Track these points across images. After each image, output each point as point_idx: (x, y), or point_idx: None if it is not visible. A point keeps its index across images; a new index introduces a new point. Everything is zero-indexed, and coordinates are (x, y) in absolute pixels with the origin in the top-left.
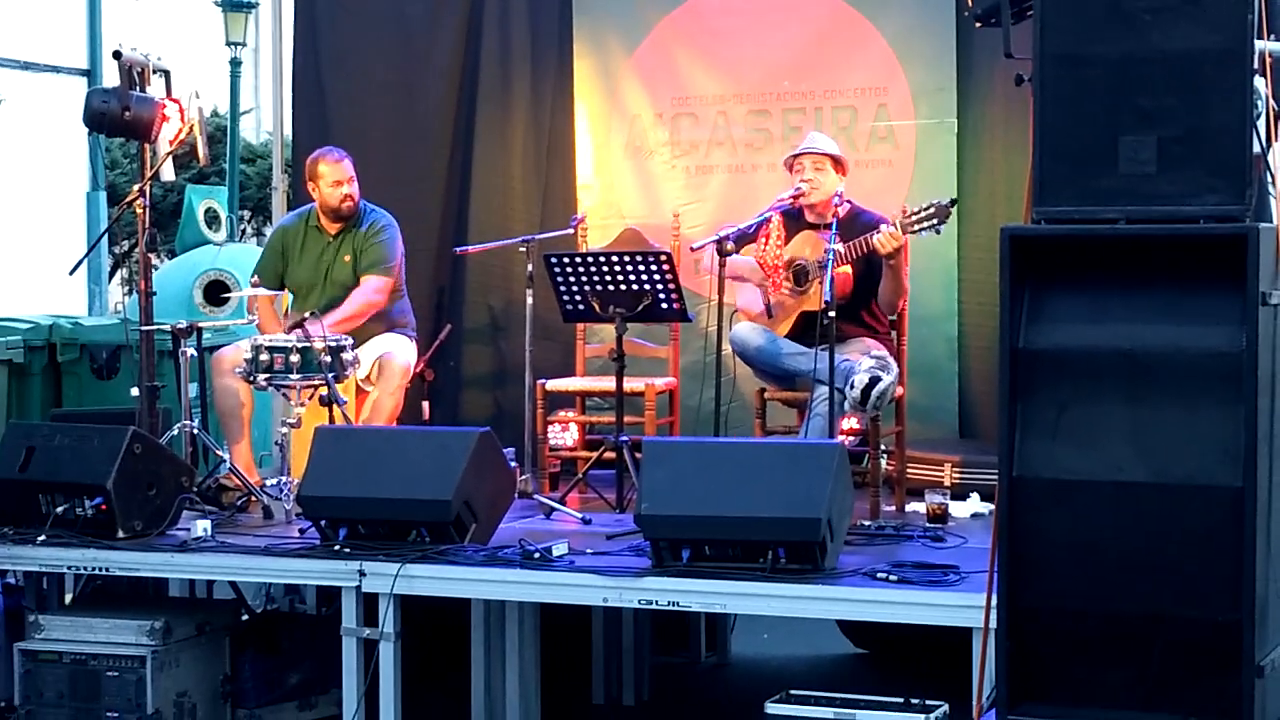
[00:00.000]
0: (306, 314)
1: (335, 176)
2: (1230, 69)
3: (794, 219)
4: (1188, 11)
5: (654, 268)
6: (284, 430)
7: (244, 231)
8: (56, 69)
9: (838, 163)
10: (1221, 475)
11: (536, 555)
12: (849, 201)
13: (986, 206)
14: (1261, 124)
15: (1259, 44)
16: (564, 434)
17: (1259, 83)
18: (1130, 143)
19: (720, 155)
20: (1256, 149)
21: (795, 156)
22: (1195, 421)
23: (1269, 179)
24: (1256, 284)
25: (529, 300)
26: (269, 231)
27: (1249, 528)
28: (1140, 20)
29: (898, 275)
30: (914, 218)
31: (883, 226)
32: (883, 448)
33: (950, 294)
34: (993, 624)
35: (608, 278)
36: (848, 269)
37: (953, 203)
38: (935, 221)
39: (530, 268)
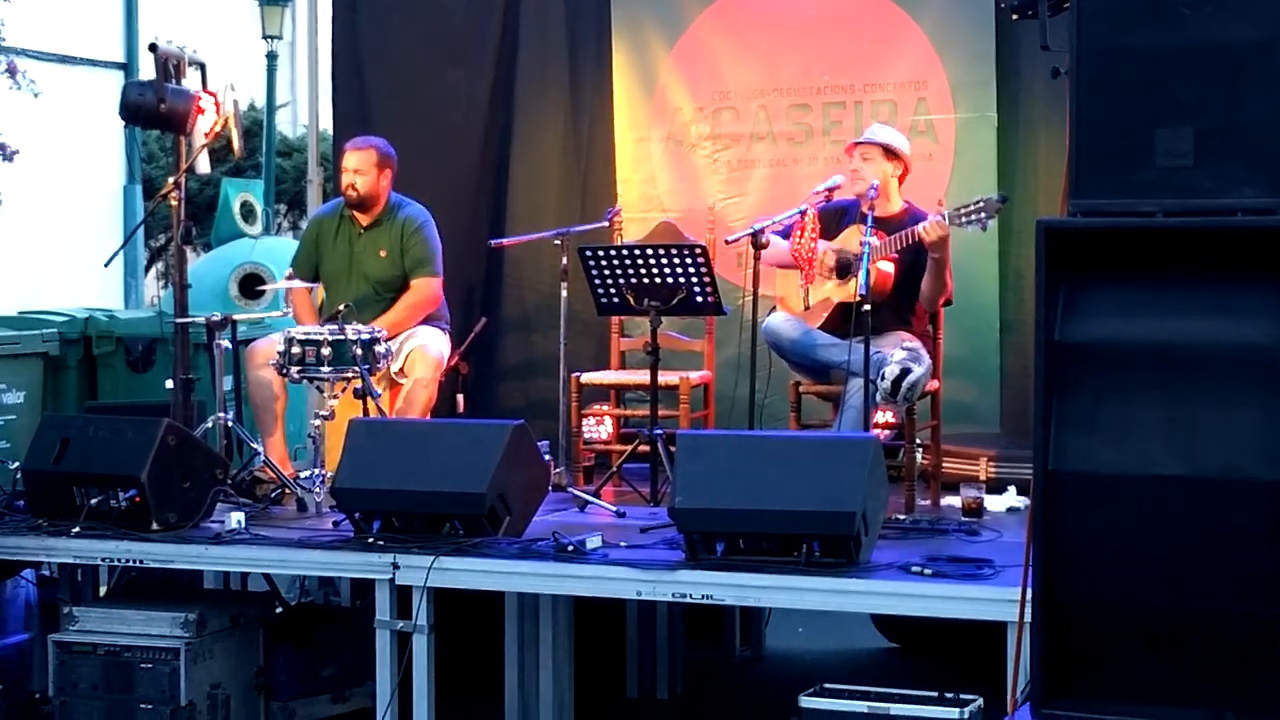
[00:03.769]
0: (341, 307)
1: (346, 164)
2: (1268, 61)
3: (836, 213)
4: (1225, 4)
5: (689, 261)
6: (317, 423)
7: (280, 225)
8: (93, 62)
9: (888, 153)
10: (1257, 469)
11: (570, 548)
12: (907, 201)
13: (1027, 201)
14: None
15: None
16: (598, 427)
17: None
18: (1167, 135)
19: (761, 149)
20: None
21: (851, 146)
22: (1231, 416)
23: None
24: None
25: (564, 293)
26: (304, 225)
27: None
28: (1178, 12)
29: (941, 271)
30: (963, 211)
31: (930, 216)
32: (918, 441)
33: (991, 289)
34: (1027, 618)
35: (642, 271)
36: (890, 266)
37: (1003, 199)
38: (984, 216)
39: (565, 261)
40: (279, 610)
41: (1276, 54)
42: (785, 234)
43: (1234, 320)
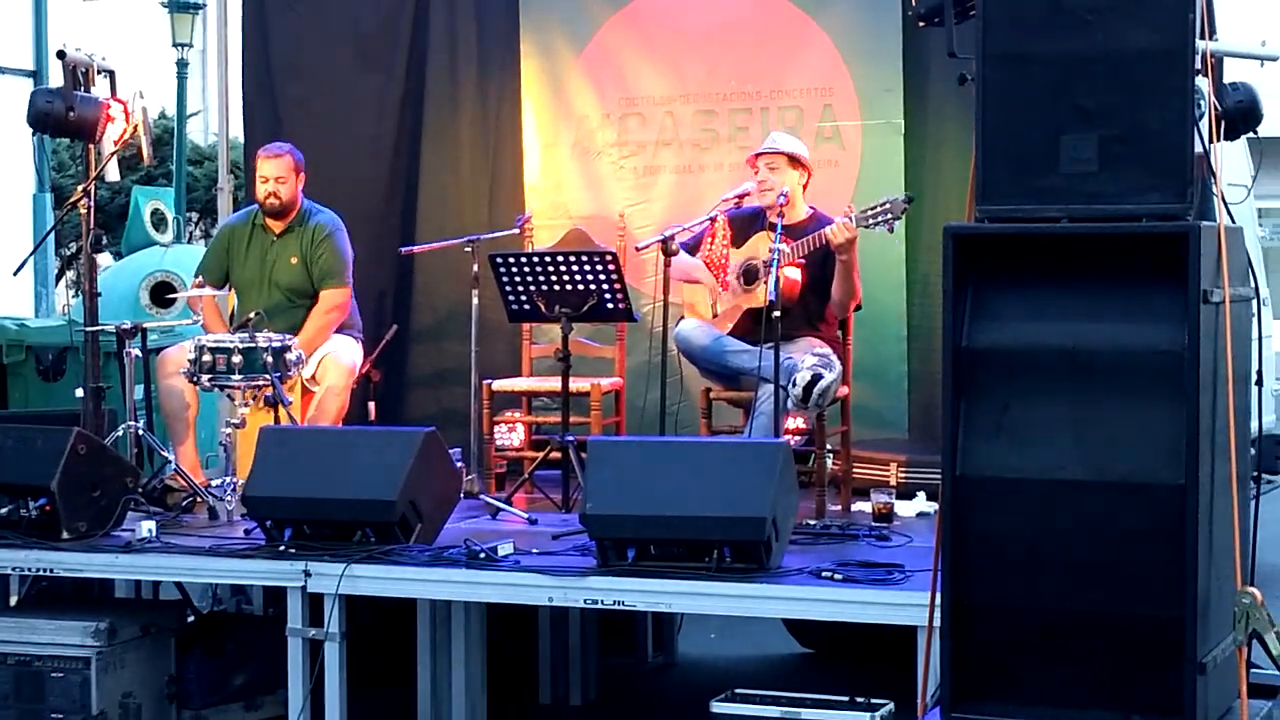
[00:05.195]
0: (251, 315)
1: (263, 172)
2: (1172, 68)
3: (745, 219)
4: (1130, 11)
5: (599, 268)
6: (228, 431)
7: (191, 233)
8: (1, 70)
9: (793, 161)
10: (1163, 473)
11: (482, 555)
12: (812, 207)
13: (934, 207)
14: (1204, 124)
15: (1201, 44)
16: (510, 434)
17: (1201, 82)
18: (1072, 141)
19: (667, 156)
20: (1199, 149)
21: (756, 156)
22: (1137, 420)
23: (1211, 179)
24: (1198, 282)
25: (474, 301)
26: (216, 230)
27: (1190, 525)
28: (1082, 19)
29: (849, 274)
30: (869, 212)
31: (836, 219)
32: (829, 447)
33: (898, 295)
34: (937, 622)
35: (553, 278)
36: (797, 272)
37: (909, 199)
38: (890, 217)
39: (475, 268)
40: (190, 619)
41: (1179, 61)
42: (692, 247)
43: (1139, 325)
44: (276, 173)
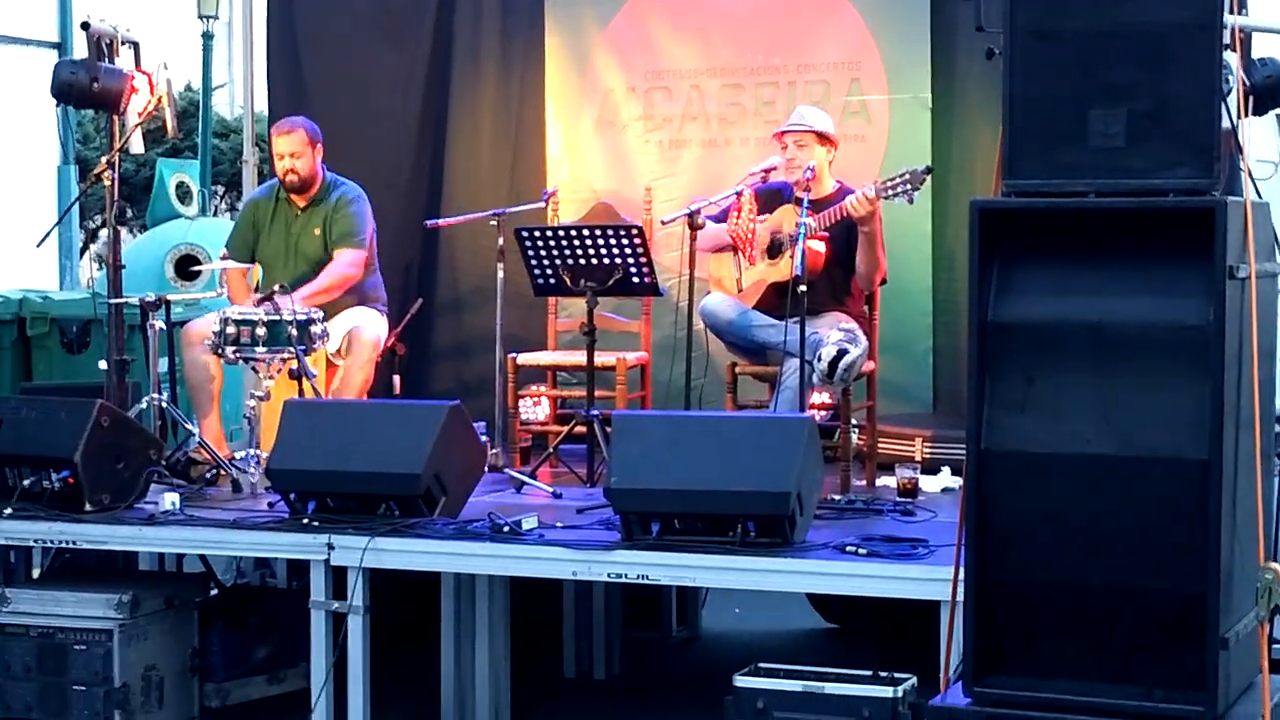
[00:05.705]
0: (275, 287)
1: (279, 149)
2: (1199, 43)
3: (771, 194)
4: None
5: (625, 242)
6: (253, 404)
7: (216, 207)
8: (26, 41)
9: (822, 137)
10: (1188, 448)
11: (506, 529)
12: (839, 181)
13: (962, 182)
14: (1232, 99)
15: (1229, 18)
16: (535, 408)
17: (1229, 57)
18: (1099, 116)
19: (694, 129)
20: (1227, 124)
21: (783, 132)
22: (1162, 394)
23: (1239, 154)
24: (1224, 257)
25: (500, 274)
26: (241, 205)
27: (1215, 500)
28: None
29: (872, 246)
30: (888, 183)
31: (857, 190)
32: (854, 422)
33: (924, 269)
34: (960, 597)
35: (579, 251)
36: (821, 245)
37: (928, 170)
38: (909, 187)
39: (501, 241)
40: (214, 591)
41: (1208, 36)
42: (720, 218)
43: (1165, 300)
44: (291, 148)
